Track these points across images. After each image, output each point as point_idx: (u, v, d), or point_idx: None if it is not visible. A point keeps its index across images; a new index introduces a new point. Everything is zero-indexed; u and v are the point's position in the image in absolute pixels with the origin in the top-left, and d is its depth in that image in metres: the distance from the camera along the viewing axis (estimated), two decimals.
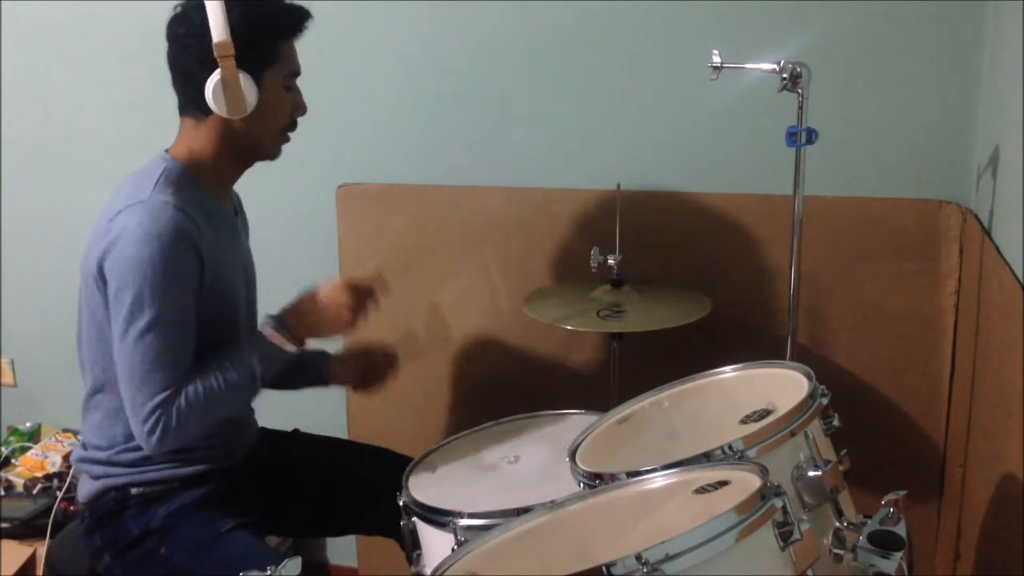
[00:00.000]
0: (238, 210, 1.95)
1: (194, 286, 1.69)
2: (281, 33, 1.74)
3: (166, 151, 1.78)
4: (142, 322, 1.64)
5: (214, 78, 1.66)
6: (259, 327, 1.78)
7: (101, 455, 1.80)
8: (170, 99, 1.78)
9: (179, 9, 1.72)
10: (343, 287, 1.82)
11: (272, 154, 1.82)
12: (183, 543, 1.76)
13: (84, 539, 1.85)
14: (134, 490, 1.78)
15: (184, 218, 1.66)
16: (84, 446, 1.85)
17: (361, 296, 1.84)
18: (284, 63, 1.75)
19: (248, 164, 1.83)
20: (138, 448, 1.75)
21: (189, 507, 1.78)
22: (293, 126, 1.81)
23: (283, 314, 1.79)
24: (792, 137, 1.77)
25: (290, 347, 1.76)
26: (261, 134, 1.77)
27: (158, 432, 1.65)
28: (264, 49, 1.71)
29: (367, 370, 2.05)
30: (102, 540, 1.81)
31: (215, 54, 1.64)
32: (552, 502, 1.40)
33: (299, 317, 1.78)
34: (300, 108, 1.81)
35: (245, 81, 1.67)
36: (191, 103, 1.73)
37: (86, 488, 1.84)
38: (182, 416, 1.66)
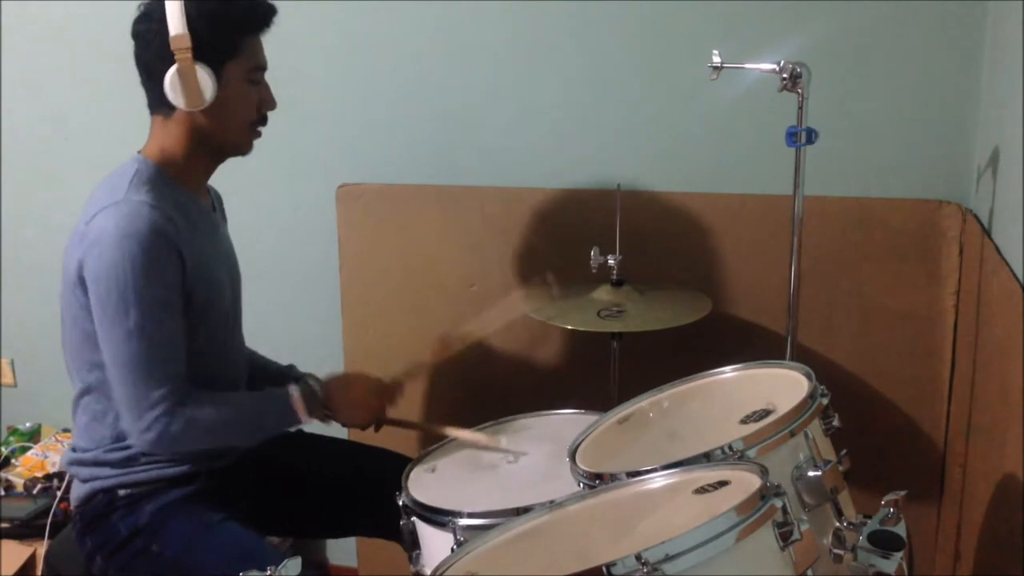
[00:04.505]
0: (216, 206, 1.94)
1: (176, 283, 1.69)
2: (241, 27, 1.74)
3: (138, 152, 1.78)
4: (129, 322, 1.64)
5: (171, 71, 1.67)
6: (288, 387, 1.82)
7: (88, 456, 1.80)
8: None
9: (142, 8, 1.73)
10: (375, 385, 1.91)
11: (242, 149, 1.82)
12: (174, 538, 1.76)
13: (77, 543, 1.85)
14: (122, 491, 1.78)
15: (160, 216, 1.67)
16: (73, 449, 1.86)
17: (388, 397, 1.93)
18: (246, 57, 1.74)
19: (220, 159, 1.83)
20: (124, 448, 1.76)
21: (177, 502, 1.78)
22: (262, 121, 1.81)
23: (317, 384, 1.84)
24: (792, 137, 1.77)
25: (305, 417, 1.81)
26: (226, 128, 1.77)
27: (156, 430, 1.67)
28: (223, 42, 1.71)
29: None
30: (93, 543, 1.81)
31: (172, 47, 1.65)
32: (552, 502, 1.40)
33: (328, 398, 1.84)
34: (268, 103, 1.80)
35: (202, 73, 1.67)
36: (157, 100, 1.74)
37: (76, 492, 1.84)
38: (188, 422, 1.69)
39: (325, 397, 1.85)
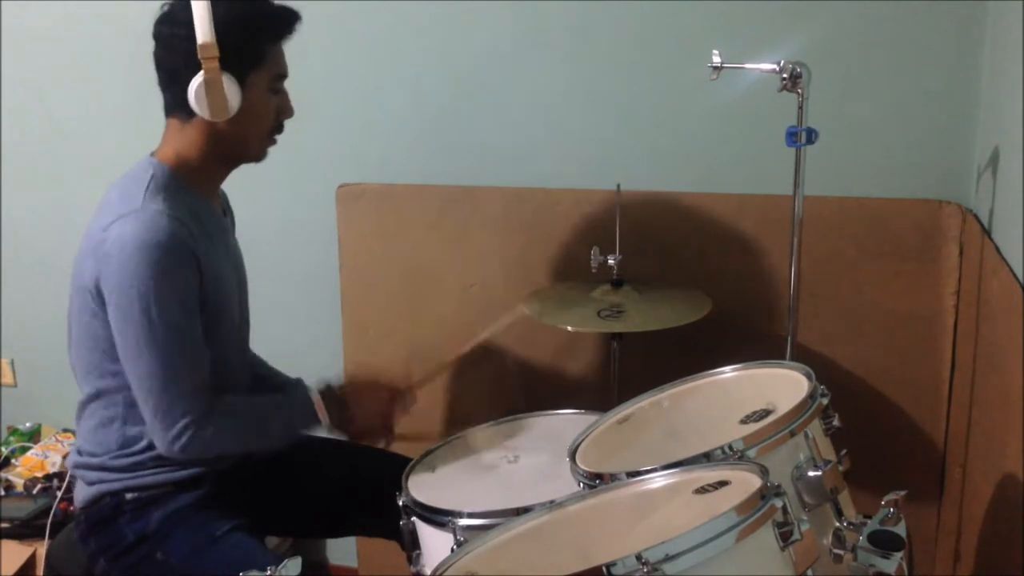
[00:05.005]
0: (226, 210, 1.94)
1: (195, 290, 1.69)
2: (267, 35, 1.73)
3: (152, 154, 1.77)
4: (153, 333, 1.64)
5: (197, 80, 1.65)
6: (308, 390, 1.85)
7: (95, 460, 1.80)
8: None
9: (165, 8, 1.71)
10: (387, 386, 1.92)
11: (257, 157, 1.81)
12: (179, 547, 1.75)
13: (80, 544, 1.84)
14: (129, 495, 1.78)
15: (179, 226, 1.66)
16: (79, 452, 1.85)
17: (400, 401, 1.94)
18: (270, 66, 1.73)
19: (234, 166, 1.82)
20: (132, 453, 1.75)
21: (184, 510, 1.78)
22: (279, 128, 1.80)
23: (335, 389, 1.86)
24: (792, 137, 1.77)
25: (325, 419, 1.82)
26: (246, 136, 1.76)
27: (186, 437, 1.68)
28: (249, 51, 1.69)
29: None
30: (97, 545, 1.81)
31: (199, 55, 1.63)
32: (552, 502, 1.40)
33: (344, 396, 1.86)
34: (286, 111, 1.79)
35: (228, 83, 1.66)
36: (176, 104, 1.72)
37: (81, 493, 1.84)
38: (217, 428, 1.71)
39: (343, 400, 1.86)
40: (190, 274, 1.67)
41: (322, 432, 2.07)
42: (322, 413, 1.82)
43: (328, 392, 1.85)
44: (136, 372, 1.68)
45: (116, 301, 1.65)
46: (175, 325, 1.65)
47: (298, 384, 1.92)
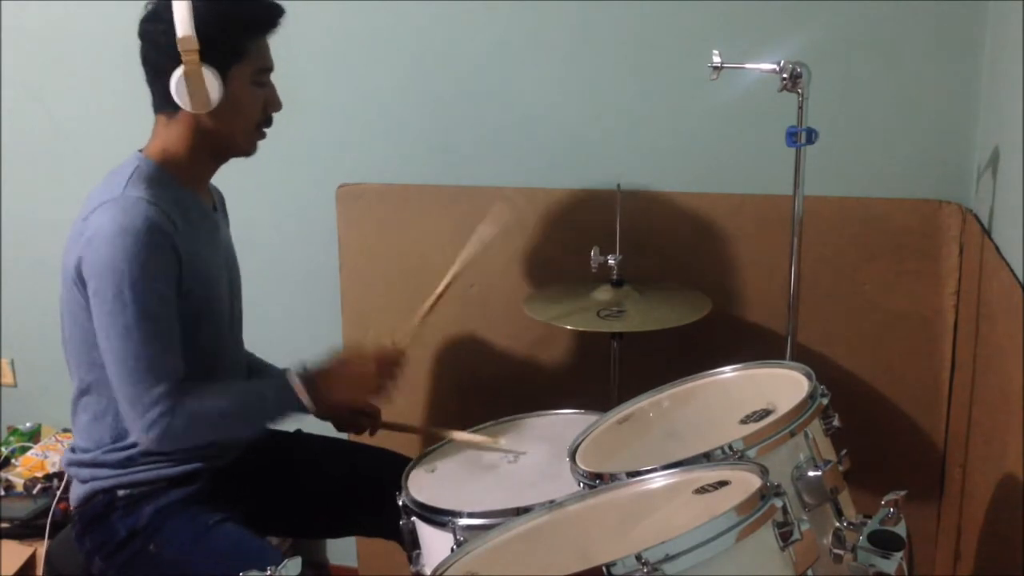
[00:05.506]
0: (218, 206, 1.94)
1: (173, 279, 1.69)
2: (249, 29, 1.73)
3: (140, 150, 1.78)
4: (125, 317, 1.63)
5: (177, 73, 1.66)
6: (285, 371, 1.79)
7: (88, 457, 1.80)
8: None
9: (150, 7, 1.72)
10: (371, 355, 1.84)
11: (246, 151, 1.81)
12: (172, 539, 1.75)
13: (77, 543, 1.85)
14: (121, 492, 1.78)
15: (157, 212, 1.66)
16: (72, 449, 1.86)
17: (388, 366, 1.85)
18: (253, 59, 1.74)
19: (223, 160, 1.83)
20: (124, 448, 1.75)
21: (176, 504, 1.78)
22: (268, 122, 1.80)
23: (312, 368, 1.80)
24: (792, 137, 1.77)
25: (308, 402, 1.76)
26: (232, 130, 1.76)
27: (159, 428, 1.65)
28: (230, 45, 1.70)
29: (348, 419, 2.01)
30: (92, 543, 1.81)
31: (179, 49, 1.64)
32: (552, 502, 1.40)
33: (325, 376, 1.79)
34: (273, 104, 1.80)
35: (209, 76, 1.67)
36: (162, 100, 1.73)
37: (76, 492, 1.84)
38: (189, 416, 1.67)
39: (323, 370, 1.79)
40: (168, 261, 1.67)
41: (323, 432, 2.09)
42: (303, 395, 1.75)
43: (303, 368, 1.79)
44: (110, 358, 1.67)
45: (94, 286, 1.65)
46: (148, 310, 1.64)
47: (280, 371, 1.85)
